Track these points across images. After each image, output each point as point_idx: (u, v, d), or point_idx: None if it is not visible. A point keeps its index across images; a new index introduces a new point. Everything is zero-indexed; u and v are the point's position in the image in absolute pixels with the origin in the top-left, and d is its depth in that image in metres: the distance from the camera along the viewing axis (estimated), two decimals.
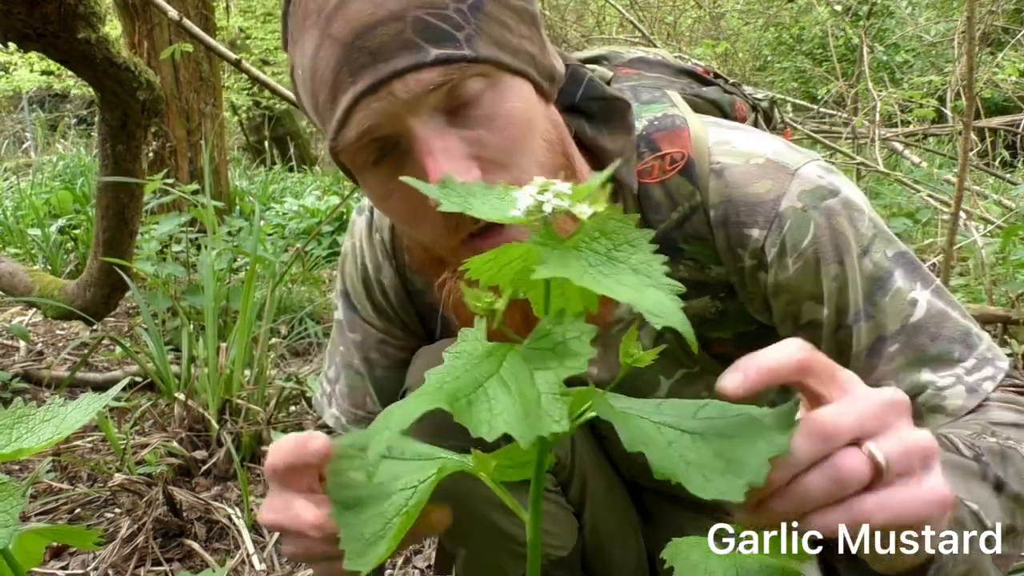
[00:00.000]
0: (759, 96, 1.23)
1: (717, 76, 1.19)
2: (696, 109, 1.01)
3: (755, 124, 1.17)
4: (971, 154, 3.61)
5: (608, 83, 0.97)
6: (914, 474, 0.54)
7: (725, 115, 1.07)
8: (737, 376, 0.54)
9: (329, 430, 1.18)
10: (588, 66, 0.96)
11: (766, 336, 0.99)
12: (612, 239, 0.46)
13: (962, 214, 2.72)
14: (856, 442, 0.53)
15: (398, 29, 0.74)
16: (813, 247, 0.87)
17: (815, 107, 5.77)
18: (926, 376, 0.85)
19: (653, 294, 0.43)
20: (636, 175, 0.92)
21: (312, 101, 0.82)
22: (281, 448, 0.70)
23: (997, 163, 5.74)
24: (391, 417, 0.43)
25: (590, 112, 0.92)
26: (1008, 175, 5.11)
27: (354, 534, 0.51)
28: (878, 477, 0.53)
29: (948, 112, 4.36)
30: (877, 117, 4.15)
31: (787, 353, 0.56)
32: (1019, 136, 5.27)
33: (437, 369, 0.47)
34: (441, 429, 0.54)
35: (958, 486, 0.67)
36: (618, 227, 0.47)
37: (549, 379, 0.43)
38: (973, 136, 3.88)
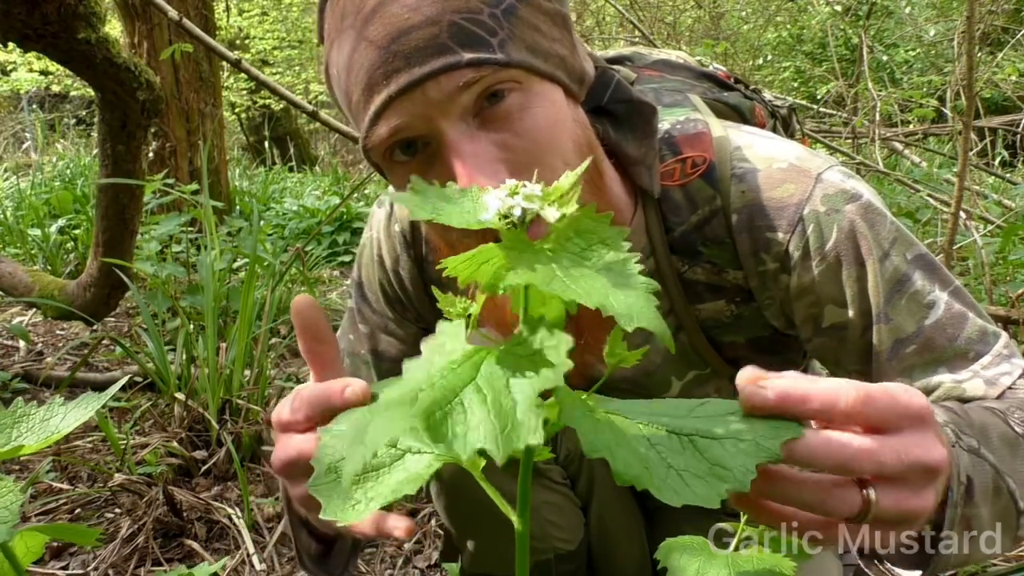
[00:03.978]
0: (778, 103, 1.24)
1: (738, 81, 1.20)
2: (717, 113, 1.02)
3: (773, 130, 1.18)
4: (971, 154, 3.61)
5: (631, 84, 0.97)
6: (883, 525, 0.56)
7: (745, 120, 1.08)
8: (765, 396, 0.52)
9: None
10: (612, 67, 0.97)
11: (780, 342, 1.01)
12: (586, 239, 0.45)
13: (962, 214, 2.72)
14: (866, 480, 0.54)
15: (433, 33, 0.75)
16: (835, 250, 0.88)
17: (815, 107, 5.78)
18: (943, 374, 0.86)
19: (625, 295, 0.42)
20: (659, 178, 0.93)
21: (346, 99, 0.83)
22: (303, 399, 0.67)
23: (997, 163, 5.74)
24: (367, 435, 0.41)
25: (616, 115, 0.92)
26: (1008, 175, 5.11)
27: (331, 476, 0.50)
28: (863, 515, 0.55)
29: (948, 112, 4.36)
30: (877, 117, 4.16)
31: (834, 394, 0.53)
32: (1019, 136, 5.27)
33: (415, 364, 0.46)
34: None
35: (1004, 461, 0.69)
36: (592, 226, 0.46)
37: (524, 388, 0.42)
38: (973, 136, 3.88)
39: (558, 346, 0.44)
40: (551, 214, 0.44)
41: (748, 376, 0.53)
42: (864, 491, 0.54)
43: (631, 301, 0.42)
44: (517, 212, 0.44)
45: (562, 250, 0.45)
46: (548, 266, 0.43)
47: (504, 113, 0.78)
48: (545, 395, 0.45)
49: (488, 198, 0.45)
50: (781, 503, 0.54)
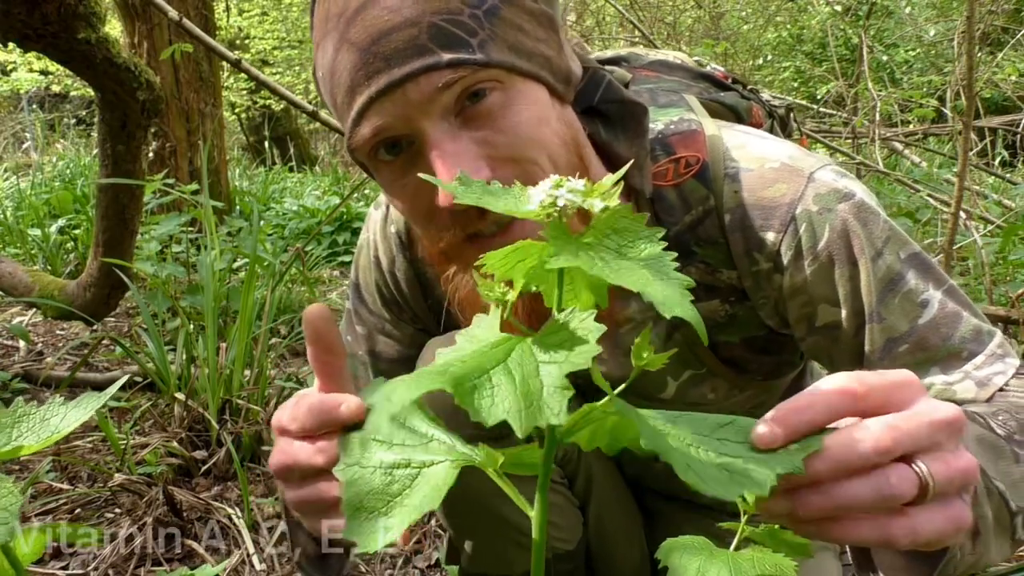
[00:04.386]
0: (775, 103, 1.24)
1: (735, 81, 1.20)
2: (713, 114, 1.02)
3: (771, 130, 1.18)
4: (971, 154, 3.61)
5: (626, 85, 0.97)
6: (949, 499, 0.55)
7: (742, 120, 1.08)
8: (773, 429, 0.51)
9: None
10: (607, 67, 0.97)
11: (775, 342, 1.01)
12: (623, 236, 0.47)
13: (962, 214, 2.72)
14: (907, 456, 0.53)
15: (412, 35, 0.76)
16: (828, 249, 0.88)
17: (815, 107, 5.78)
18: (935, 374, 0.86)
19: (663, 286, 0.44)
20: (651, 178, 0.93)
21: (332, 100, 0.85)
22: (303, 408, 0.68)
23: (997, 163, 5.74)
24: (395, 392, 0.43)
25: (608, 115, 0.93)
26: (1008, 175, 5.12)
27: (361, 516, 0.51)
28: (920, 497, 0.53)
29: (948, 112, 4.36)
30: (877, 117, 4.16)
31: (831, 393, 0.54)
32: (1019, 136, 5.27)
33: (448, 349, 0.47)
34: (451, 418, 0.54)
35: (988, 464, 0.68)
36: (629, 224, 0.47)
37: (553, 372, 0.44)
38: (973, 136, 3.88)
39: (590, 333, 0.45)
40: (596, 205, 0.46)
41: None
42: (912, 466, 0.53)
43: (668, 292, 0.44)
44: (561, 203, 0.46)
45: (600, 244, 0.47)
46: (589, 254, 0.45)
47: (485, 111, 0.79)
48: (587, 390, 0.45)
49: (533, 190, 0.47)
50: (842, 512, 0.53)
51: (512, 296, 0.51)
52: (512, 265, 0.47)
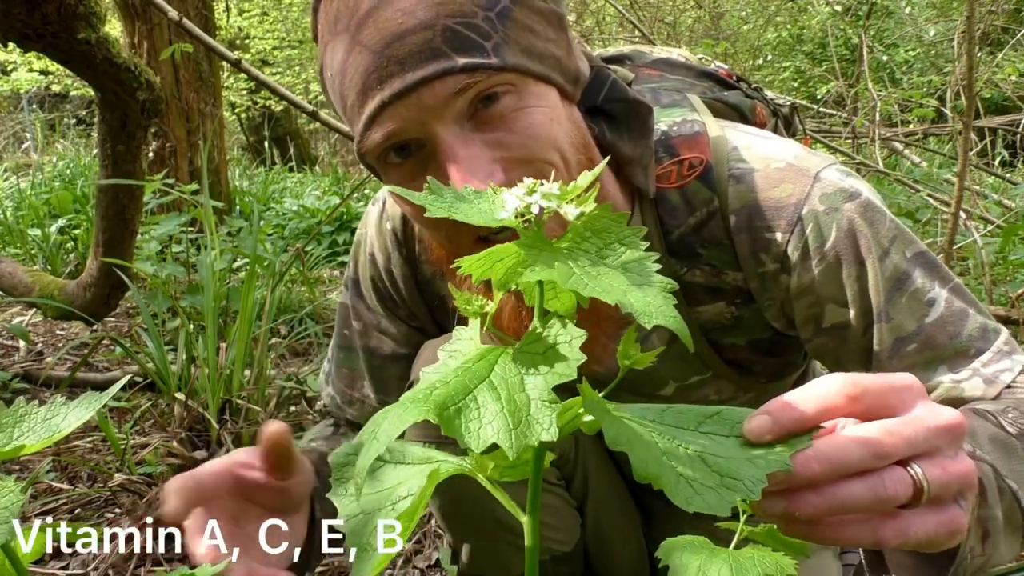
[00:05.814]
0: (780, 102, 1.24)
1: (740, 80, 1.20)
2: (717, 113, 1.02)
3: (775, 130, 1.17)
4: (971, 154, 3.61)
5: (629, 84, 0.97)
6: (945, 504, 0.54)
7: (746, 120, 1.08)
8: (764, 421, 0.51)
9: (328, 410, 1.24)
10: (610, 66, 0.97)
11: (780, 343, 1.00)
12: (603, 238, 0.46)
13: (962, 214, 2.72)
14: (903, 460, 0.53)
15: (427, 38, 0.75)
16: (835, 249, 0.87)
17: (815, 107, 5.78)
18: (943, 373, 0.86)
19: (643, 293, 0.43)
20: (655, 179, 0.93)
21: (341, 103, 0.84)
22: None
23: (997, 163, 5.74)
24: (380, 427, 0.42)
25: (612, 114, 0.92)
26: (1008, 175, 5.12)
27: (363, 543, 0.51)
28: (914, 500, 0.53)
29: (948, 112, 4.36)
30: (877, 117, 4.16)
31: (826, 392, 0.53)
32: (1019, 136, 5.27)
33: (431, 368, 0.47)
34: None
35: (1001, 463, 0.68)
36: (609, 226, 0.46)
37: (539, 385, 0.42)
38: (973, 136, 3.88)
39: (572, 341, 0.44)
40: (570, 212, 0.45)
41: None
42: (908, 468, 0.52)
43: (649, 299, 0.42)
44: (535, 210, 0.44)
45: (579, 248, 0.45)
46: (566, 264, 0.43)
47: (498, 115, 0.79)
48: (565, 393, 0.45)
49: (507, 196, 0.46)
50: (836, 513, 0.52)
51: (491, 309, 0.50)
52: (489, 267, 0.46)
